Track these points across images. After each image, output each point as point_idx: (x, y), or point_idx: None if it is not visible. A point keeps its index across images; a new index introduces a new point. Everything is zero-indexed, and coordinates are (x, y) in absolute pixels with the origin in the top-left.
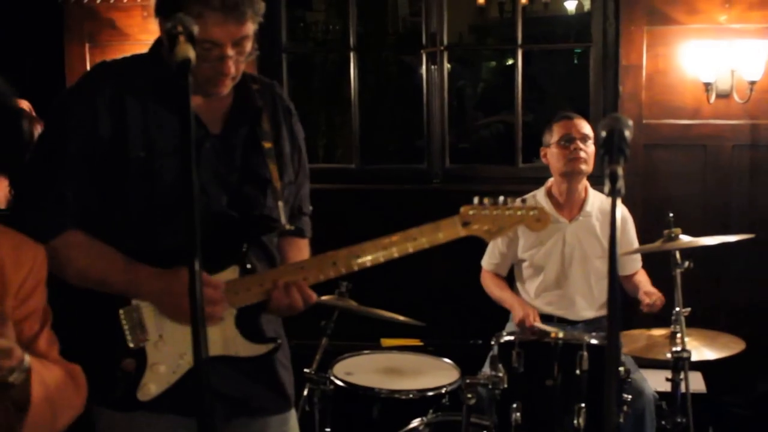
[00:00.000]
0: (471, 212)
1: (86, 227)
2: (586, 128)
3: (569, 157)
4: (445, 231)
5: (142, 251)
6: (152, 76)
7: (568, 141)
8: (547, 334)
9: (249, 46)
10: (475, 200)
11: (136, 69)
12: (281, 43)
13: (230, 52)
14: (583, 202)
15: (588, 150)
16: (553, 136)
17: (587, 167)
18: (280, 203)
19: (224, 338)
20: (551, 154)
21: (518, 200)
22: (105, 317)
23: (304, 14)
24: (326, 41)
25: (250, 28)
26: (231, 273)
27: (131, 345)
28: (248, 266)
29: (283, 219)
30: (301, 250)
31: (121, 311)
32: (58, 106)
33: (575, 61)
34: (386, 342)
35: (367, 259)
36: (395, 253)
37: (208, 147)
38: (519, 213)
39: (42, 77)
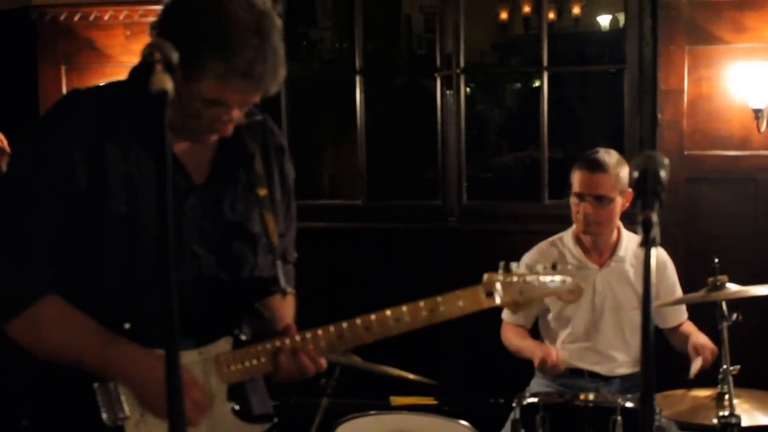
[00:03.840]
0: (496, 281)
1: (59, 290)
2: (601, 186)
3: (577, 216)
4: (467, 301)
5: (119, 316)
6: (133, 111)
7: (578, 199)
8: (576, 397)
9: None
10: (500, 267)
11: (116, 103)
12: None
13: (235, 113)
14: (616, 245)
15: (602, 212)
16: (573, 182)
17: (600, 228)
18: (279, 263)
19: (212, 417)
20: (570, 201)
21: (541, 265)
22: (77, 390)
23: (307, 32)
24: (333, 61)
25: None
26: (224, 344)
27: (107, 423)
28: (243, 338)
29: (282, 281)
30: (287, 306)
31: (95, 385)
32: (26, 148)
33: (610, 80)
34: (396, 400)
35: (377, 332)
36: (410, 326)
37: (193, 202)
38: (551, 285)
39: (12, 102)
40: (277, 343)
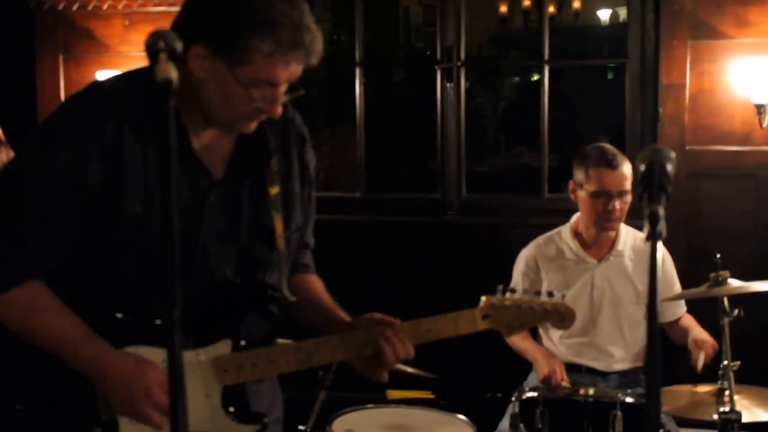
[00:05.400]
0: (492, 305)
1: (56, 285)
2: (625, 180)
3: (602, 215)
4: (463, 323)
5: (125, 318)
6: (151, 106)
7: (605, 197)
8: (576, 392)
9: None
10: (498, 291)
11: (136, 97)
12: None
13: (282, 91)
14: (614, 240)
15: (625, 205)
16: (588, 182)
17: (620, 222)
18: (284, 269)
19: (207, 416)
20: (582, 199)
21: (539, 295)
22: (74, 379)
23: None
24: (331, 53)
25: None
26: (223, 346)
27: (102, 415)
28: (242, 343)
29: (285, 288)
30: (321, 285)
31: None
32: (40, 137)
33: (609, 77)
34: (393, 394)
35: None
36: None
37: (213, 200)
38: (545, 310)
39: (10, 92)
40: (273, 352)
